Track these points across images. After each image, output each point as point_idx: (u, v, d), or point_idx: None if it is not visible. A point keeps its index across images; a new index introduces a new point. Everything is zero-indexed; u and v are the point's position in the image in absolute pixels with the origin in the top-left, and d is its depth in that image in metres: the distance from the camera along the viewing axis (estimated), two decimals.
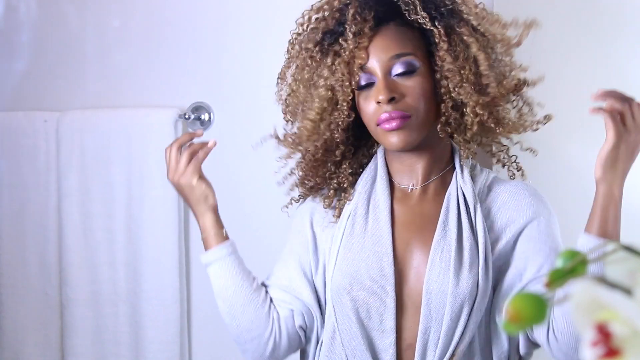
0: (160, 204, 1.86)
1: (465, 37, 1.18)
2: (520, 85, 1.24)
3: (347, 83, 1.19)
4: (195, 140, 1.30)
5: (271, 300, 1.29)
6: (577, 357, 1.12)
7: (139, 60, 1.95)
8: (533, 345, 1.21)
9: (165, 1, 1.94)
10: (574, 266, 0.53)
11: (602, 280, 0.50)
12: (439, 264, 1.17)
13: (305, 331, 1.30)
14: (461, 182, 1.23)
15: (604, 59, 1.55)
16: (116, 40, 1.97)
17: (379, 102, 1.17)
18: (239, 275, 1.27)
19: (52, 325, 1.98)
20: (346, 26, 1.19)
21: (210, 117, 1.88)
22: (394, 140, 1.18)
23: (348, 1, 1.21)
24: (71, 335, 1.94)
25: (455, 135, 1.23)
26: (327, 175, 1.31)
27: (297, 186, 1.35)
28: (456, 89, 1.17)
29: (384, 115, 1.16)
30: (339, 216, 1.28)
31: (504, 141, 1.31)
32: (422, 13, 1.17)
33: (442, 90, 1.19)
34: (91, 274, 1.92)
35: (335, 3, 1.22)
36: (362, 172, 1.31)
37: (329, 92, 1.21)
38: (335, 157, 1.29)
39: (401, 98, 1.17)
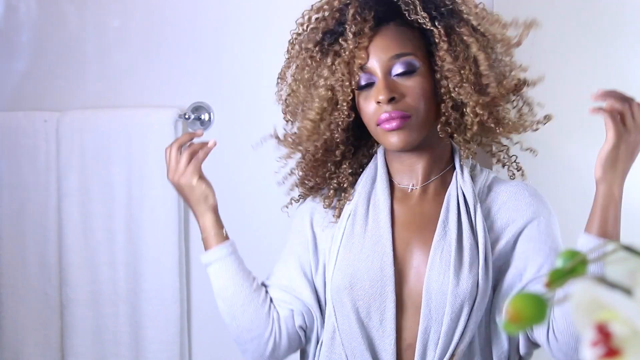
0: (160, 204, 1.86)
1: (465, 37, 1.18)
2: (520, 85, 1.24)
3: (347, 83, 1.19)
4: (195, 140, 1.30)
5: (271, 300, 1.29)
6: (577, 357, 1.12)
7: (139, 60, 1.95)
8: (533, 345, 1.21)
9: (165, 1, 1.94)
10: (574, 266, 0.53)
11: (602, 280, 0.50)
12: (439, 264, 1.17)
13: (305, 331, 1.30)
14: (461, 182, 1.23)
15: (604, 59, 1.55)
16: (116, 40, 1.97)
17: (379, 102, 1.17)
18: (239, 275, 1.27)
19: (52, 325, 1.98)
20: (346, 26, 1.19)
21: (210, 117, 1.88)
22: (394, 140, 1.18)
23: (348, 1, 1.21)
24: (71, 335, 1.94)
25: (455, 135, 1.23)
26: (327, 175, 1.31)
27: (297, 186, 1.35)
28: (456, 89, 1.17)
29: (384, 115, 1.17)
30: (339, 216, 1.28)
31: (504, 141, 1.31)
32: (422, 13, 1.17)
33: (442, 90, 1.19)
34: (91, 274, 1.92)
35: (335, 3, 1.22)
36: (362, 172, 1.31)
37: (329, 92, 1.21)
38: (335, 157, 1.29)
39: (401, 98, 1.17)
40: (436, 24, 1.18)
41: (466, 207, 1.21)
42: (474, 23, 1.19)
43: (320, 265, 1.28)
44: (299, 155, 1.33)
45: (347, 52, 1.18)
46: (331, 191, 1.30)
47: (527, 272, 1.19)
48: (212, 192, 1.29)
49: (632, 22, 1.53)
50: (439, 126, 1.21)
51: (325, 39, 1.23)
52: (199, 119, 1.88)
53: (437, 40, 1.17)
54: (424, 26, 1.18)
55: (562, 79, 1.51)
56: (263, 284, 1.32)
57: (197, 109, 1.89)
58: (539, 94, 1.26)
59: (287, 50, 1.29)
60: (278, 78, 1.31)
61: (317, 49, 1.23)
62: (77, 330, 1.94)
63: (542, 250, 1.19)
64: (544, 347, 1.17)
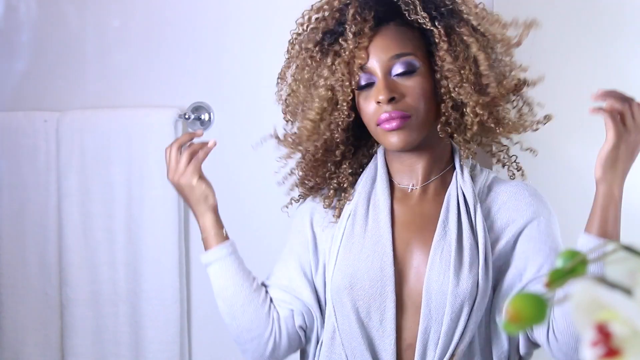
0: (160, 204, 1.86)
1: (465, 37, 1.18)
2: (520, 85, 1.24)
3: (347, 83, 1.19)
4: (195, 140, 1.30)
5: (271, 300, 1.29)
6: (577, 357, 1.12)
7: (139, 60, 1.95)
8: (533, 345, 1.21)
9: (165, 1, 1.94)
10: (574, 266, 0.53)
11: (602, 280, 0.50)
12: (439, 264, 1.17)
13: (305, 331, 1.30)
14: (461, 182, 1.23)
15: (604, 59, 1.55)
16: (116, 40, 1.97)
17: (379, 102, 1.17)
18: (239, 275, 1.27)
19: (52, 325, 1.98)
20: (346, 26, 1.19)
21: (210, 117, 1.88)
22: (394, 140, 1.18)
23: (348, 1, 1.21)
24: (71, 335, 1.94)
25: (455, 135, 1.23)
26: (327, 175, 1.31)
27: (297, 186, 1.35)
28: (456, 89, 1.17)
29: (384, 115, 1.16)
30: (339, 216, 1.28)
31: (504, 141, 1.31)
32: (422, 13, 1.17)
33: (442, 90, 1.19)
34: (91, 274, 1.92)
35: (335, 3, 1.22)
36: (362, 172, 1.31)
37: (329, 92, 1.21)
38: (335, 157, 1.29)
39: (401, 98, 1.17)
40: (436, 24, 1.18)
41: (466, 207, 1.21)
42: (474, 23, 1.19)
43: (320, 265, 1.28)
44: (299, 155, 1.32)
45: (347, 52, 1.18)
46: (331, 191, 1.30)
47: (527, 272, 1.19)
48: (212, 192, 1.29)
49: (632, 22, 1.53)
50: (439, 126, 1.21)
51: (325, 39, 1.23)
52: (199, 119, 1.88)
53: (437, 40, 1.17)
54: (424, 26, 1.18)
55: (562, 79, 1.51)
56: (263, 284, 1.32)
57: (197, 109, 1.89)
58: (539, 94, 1.26)
59: (287, 50, 1.29)
60: (278, 78, 1.31)
61: (317, 49, 1.23)
62: (77, 330, 1.94)
63: (542, 250, 1.19)
64: (544, 347, 1.17)
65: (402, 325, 1.19)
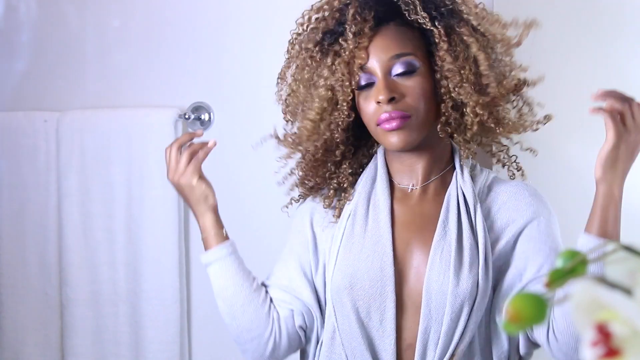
0: (160, 204, 1.86)
1: (465, 37, 1.18)
2: (520, 85, 1.24)
3: (347, 83, 1.19)
4: (195, 140, 1.30)
5: (271, 300, 1.29)
6: (577, 357, 1.12)
7: (139, 60, 1.95)
8: (533, 345, 1.21)
9: (165, 1, 1.94)
10: (574, 266, 0.53)
11: (602, 280, 0.50)
12: (439, 264, 1.17)
13: (305, 331, 1.30)
14: (461, 182, 1.23)
15: (604, 59, 1.55)
16: (116, 40, 1.97)
17: (379, 102, 1.17)
18: (239, 275, 1.27)
19: (52, 325, 1.98)
20: (346, 26, 1.19)
21: (210, 117, 1.89)
22: (394, 140, 1.18)
23: (348, 1, 1.21)
24: (71, 335, 1.94)
25: (455, 135, 1.23)
26: (327, 175, 1.31)
27: (297, 186, 1.35)
28: (456, 89, 1.17)
29: (384, 115, 1.16)
30: (339, 216, 1.28)
31: (504, 141, 1.31)
32: (422, 13, 1.17)
33: (442, 90, 1.19)
34: (91, 274, 1.92)
35: (335, 3, 1.22)
36: (362, 172, 1.31)
37: (329, 92, 1.21)
38: (335, 157, 1.29)
39: (401, 98, 1.17)
40: (436, 24, 1.18)
41: (466, 207, 1.21)
42: (474, 23, 1.19)
43: (320, 265, 1.28)
44: (299, 155, 1.32)
45: (347, 52, 1.18)
46: (331, 191, 1.30)
47: (527, 272, 1.19)
48: (212, 192, 1.29)
49: (632, 22, 1.53)
50: (439, 126, 1.20)
51: (325, 39, 1.23)
52: (199, 119, 1.88)
53: (437, 40, 1.17)
54: (424, 26, 1.18)
55: (562, 79, 1.51)
56: (263, 284, 1.32)
57: (197, 109, 1.89)
58: (539, 94, 1.26)
59: (287, 50, 1.29)
60: (278, 78, 1.31)
61: (317, 49, 1.23)
62: (77, 330, 1.94)
63: (542, 250, 1.19)
64: (544, 347, 1.17)
65: (402, 325, 1.19)
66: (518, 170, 1.30)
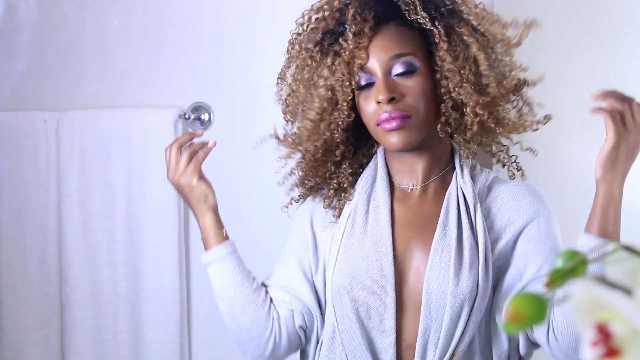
0: (160, 204, 1.86)
1: (465, 37, 1.18)
2: (520, 85, 1.24)
3: (347, 83, 1.19)
4: (195, 140, 1.30)
5: (271, 300, 1.29)
6: (577, 357, 1.12)
7: (139, 60, 1.95)
8: (533, 345, 1.21)
9: (165, 1, 1.94)
10: (574, 266, 0.53)
11: (602, 280, 0.50)
12: (439, 264, 1.17)
13: (305, 331, 1.30)
14: (461, 182, 1.23)
15: (604, 59, 1.55)
16: (116, 40, 1.97)
17: (379, 102, 1.17)
18: (239, 275, 1.27)
19: (52, 325, 1.98)
20: (346, 26, 1.19)
21: (210, 117, 1.89)
22: (394, 140, 1.18)
23: (348, 1, 1.21)
24: (71, 335, 1.94)
25: (455, 135, 1.23)
26: (327, 175, 1.31)
27: (297, 186, 1.35)
28: (456, 89, 1.17)
29: (384, 115, 1.17)
30: (339, 216, 1.28)
31: (504, 141, 1.31)
32: (422, 13, 1.17)
33: (442, 90, 1.19)
34: (91, 274, 1.92)
35: (335, 3, 1.22)
36: (362, 172, 1.31)
37: (329, 92, 1.21)
38: (335, 157, 1.29)
39: (401, 98, 1.17)
40: (436, 24, 1.18)
41: (466, 207, 1.21)
42: (474, 23, 1.19)
43: (320, 265, 1.28)
44: (299, 155, 1.32)
45: (347, 52, 1.18)
46: (331, 191, 1.30)
47: (527, 272, 1.19)
48: (212, 192, 1.29)
49: (632, 22, 1.53)
50: (439, 126, 1.20)
51: (325, 39, 1.23)
52: (199, 119, 1.88)
53: (437, 40, 1.17)
54: (424, 26, 1.18)
55: (562, 79, 1.51)
56: (263, 284, 1.32)
57: (197, 109, 1.89)
58: (539, 94, 1.26)
59: (287, 50, 1.29)
60: (278, 78, 1.31)
61: (317, 49, 1.23)
62: (77, 330, 1.94)
63: (542, 250, 1.19)
64: (544, 347, 1.17)
65: (402, 325, 1.19)
66: (518, 170, 1.30)
